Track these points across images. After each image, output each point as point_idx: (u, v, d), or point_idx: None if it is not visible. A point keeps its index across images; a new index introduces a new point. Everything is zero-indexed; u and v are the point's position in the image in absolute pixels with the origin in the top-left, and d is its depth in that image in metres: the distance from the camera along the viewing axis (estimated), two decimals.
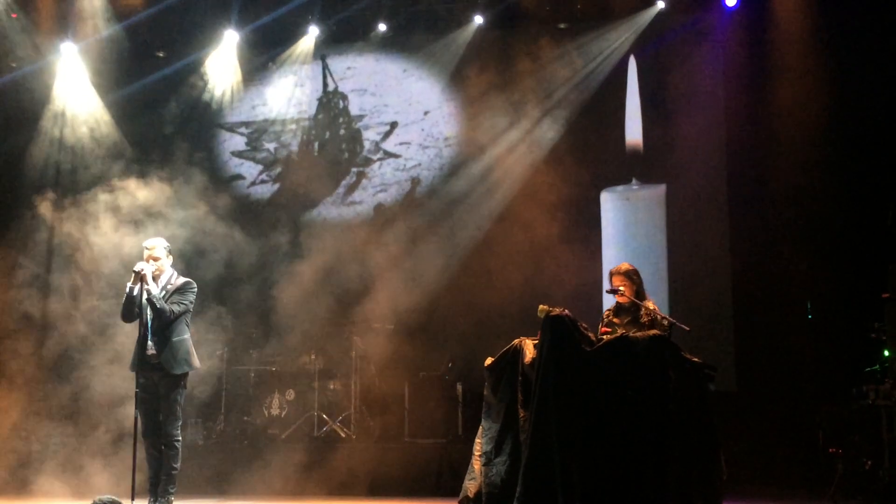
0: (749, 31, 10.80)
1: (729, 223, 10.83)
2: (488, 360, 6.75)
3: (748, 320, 10.54)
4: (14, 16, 11.47)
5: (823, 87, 10.13)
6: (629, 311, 6.99)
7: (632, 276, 7.01)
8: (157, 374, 6.97)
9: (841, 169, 10.07)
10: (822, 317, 9.97)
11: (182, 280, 7.16)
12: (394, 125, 12.10)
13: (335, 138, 12.27)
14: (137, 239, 10.41)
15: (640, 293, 6.98)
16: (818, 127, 10.09)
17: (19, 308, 11.15)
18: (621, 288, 6.96)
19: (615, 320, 7.00)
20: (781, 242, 10.33)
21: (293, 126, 12.36)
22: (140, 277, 6.86)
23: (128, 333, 7.33)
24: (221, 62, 12.04)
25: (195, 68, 12.02)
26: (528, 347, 6.50)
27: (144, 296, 6.88)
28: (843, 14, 10.12)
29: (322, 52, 12.28)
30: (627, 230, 11.19)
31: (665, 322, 6.79)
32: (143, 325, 6.96)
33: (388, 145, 12.10)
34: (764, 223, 10.54)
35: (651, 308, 6.92)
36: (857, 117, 10.08)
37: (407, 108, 12.11)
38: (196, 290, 7.19)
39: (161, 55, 12.18)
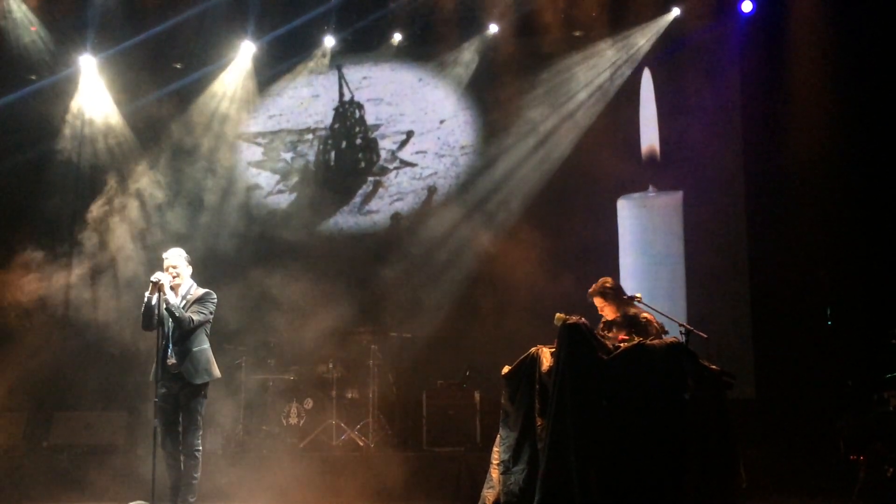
0: (765, 37, 10.77)
1: (747, 229, 10.80)
2: (505, 369, 6.75)
3: (767, 327, 10.49)
4: (33, 29, 11.58)
5: (841, 92, 10.09)
6: (620, 325, 6.95)
7: (606, 294, 6.98)
8: (178, 385, 7.00)
9: (859, 175, 10.02)
10: (842, 323, 9.90)
11: (202, 290, 7.20)
12: (410, 134, 12.13)
13: (351, 148, 12.32)
14: (156, 249, 10.52)
15: (620, 304, 6.96)
16: (836, 133, 10.04)
17: (39, 313, 11.25)
18: (638, 294, 6.96)
19: (608, 335, 6.96)
20: (800, 248, 10.27)
21: (310, 136, 12.42)
22: (157, 287, 6.90)
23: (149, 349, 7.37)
24: (238, 73, 12.12)
25: (212, 79, 12.11)
26: (546, 356, 6.49)
27: (164, 306, 6.92)
28: (860, 19, 10.08)
29: (338, 62, 12.34)
30: (645, 237, 11.17)
31: (650, 324, 6.78)
32: (163, 336, 6.99)
33: (405, 154, 12.13)
34: (782, 229, 10.48)
35: (631, 313, 6.89)
36: (875, 122, 10.03)
37: (423, 117, 12.14)
38: (216, 300, 7.23)
39: (179, 66, 12.26)
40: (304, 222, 12.18)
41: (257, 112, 12.50)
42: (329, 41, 12.05)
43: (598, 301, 7.04)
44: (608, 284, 7.06)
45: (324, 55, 12.18)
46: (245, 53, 12.01)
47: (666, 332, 6.85)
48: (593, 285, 7.12)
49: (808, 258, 10.19)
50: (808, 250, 10.20)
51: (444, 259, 11.35)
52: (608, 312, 7.00)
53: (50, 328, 11.47)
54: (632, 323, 6.89)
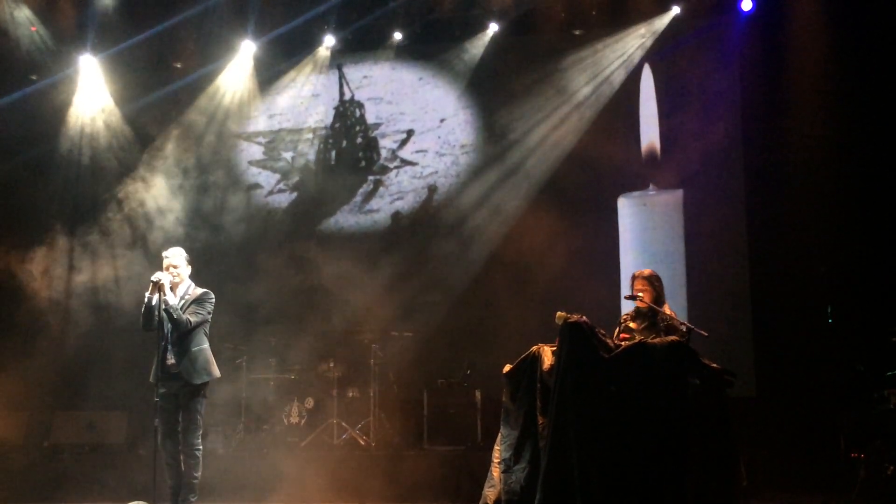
0: (765, 35, 10.76)
1: (747, 227, 10.79)
2: (507, 367, 6.75)
3: (767, 325, 10.48)
4: (34, 29, 11.59)
5: (841, 90, 10.09)
6: (647, 316, 6.98)
7: (653, 282, 7.03)
8: (177, 385, 7.00)
9: (860, 173, 10.02)
10: (843, 321, 9.90)
11: (200, 290, 7.20)
12: (410, 133, 12.13)
13: (352, 147, 12.31)
14: (155, 249, 10.55)
15: (659, 299, 7.00)
16: (837, 130, 10.05)
17: (39, 317, 11.27)
18: (640, 295, 6.96)
19: (632, 325, 6.98)
20: (801, 246, 10.27)
21: (310, 135, 12.41)
22: (158, 287, 6.90)
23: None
24: (238, 72, 12.12)
25: (213, 79, 12.10)
26: (547, 354, 6.49)
27: (163, 306, 6.92)
28: (859, 17, 10.08)
29: (338, 61, 12.34)
30: (645, 235, 11.17)
31: (683, 328, 6.78)
32: (162, 336, 6.99)
33: (405, 153, 12.13)
34: (782, 227, 10.48)
35: (668, 314, 6.91)
36: (875, 120, 10.03)
37: (423, 115, 12.14)
38: (214, 300, 7.22)
39: (179, 66, 12.25)
40: (305, 221, 12.19)
41: (258, 111, 12.50)
42: (329, 40, 12.05)
43: (640, 284, 7.03)
44: (656, 274, 7.13)
45: (324, 54, 12.18)
46: (245, 53, 12.01)
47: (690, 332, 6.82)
48: (642, 269, 7.21)
49: (809, 256, 10.18)
50: (809, 248, 10.19)
51: (445, 258, 11.36)
52: (648, 297, 6.96)
53: (51, 328, 11.48)
54: (656, 317, 6.89)
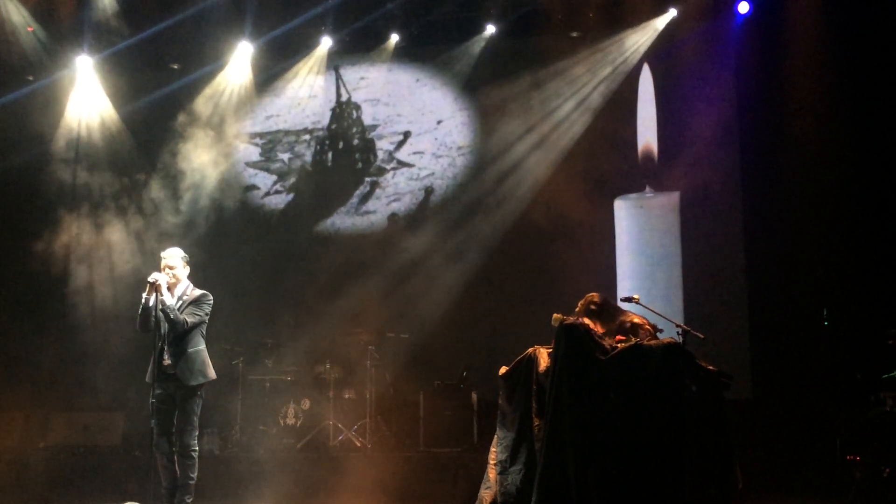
0: (762, 38, 10.78)
1: (743, 230, 10.81)
2: (503, 369, 6.75)
3: (764, 327, 10.50)
4: (30, 29, 11.58)
5: (837, 93, 10.10)
6: (614, 332, 6.90)
7: (592, 314, 6.80)
8: (174, 385, 6.99)
9: (856, 175, 10.04)
10: (839, 323, 9.91)
11: (198, 291, 7.18)
12: (407, 135, 12.13)
13: (349, 148, 12.31)
14: (153, 249, 10.55)
15: (609, 316, 6.86)
16: (833, 133, 10.07)
17: (38, 316, 11.25)
18: (636, 296, 6.93)
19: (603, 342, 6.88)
20: (797, 249, 10.28)
21: (307, 136, 12.41)
22: (155, 288, 6.88)
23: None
24: (236, 73, 12.11)
25: (210, 80, 12.09)
26: (543, 356, 6.49)
27: (160, 306, 6.90)
28: (856, 19, 10.10)
29: (335, 62, 12.34)
30: (641, 238, 11.18)
31: (641, 328, 6.75)
32: (159, 337, 6.97)
33: (402, 155, 12.13)
34: (779, 229, 10.50)
35: (630, 319, 6.84)
36: (872, 123, 10.05)
37: (420, 117, 12.14)
38: (212, 301, 7.20)
39: (176, 67, 12.25)
40: (301, 223, 12.18)
41: (254, 112, 12.49)
42: (326, 42, 12.05)
43: (585, 321, 6.93)
44: (593, 304, 6.86)
45: (321, 56, 12.17)
46: (242, 54, 12.00)
47: (660, 331, 6.84)
48: (579, 303, 6.92)
49: (805, 258, 10.19)
50: (805, 250, 10.20)
51: (441, 259, 11.35)
52: (598, 328, 6.91)
53: (47, 330, 11.47)
54: (623, 332, 6.85)
